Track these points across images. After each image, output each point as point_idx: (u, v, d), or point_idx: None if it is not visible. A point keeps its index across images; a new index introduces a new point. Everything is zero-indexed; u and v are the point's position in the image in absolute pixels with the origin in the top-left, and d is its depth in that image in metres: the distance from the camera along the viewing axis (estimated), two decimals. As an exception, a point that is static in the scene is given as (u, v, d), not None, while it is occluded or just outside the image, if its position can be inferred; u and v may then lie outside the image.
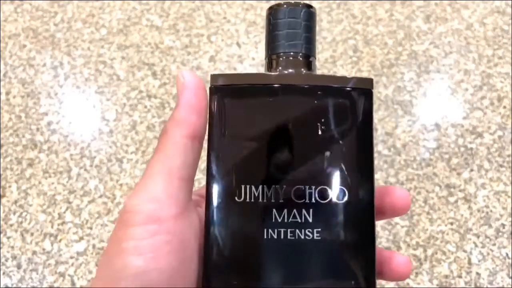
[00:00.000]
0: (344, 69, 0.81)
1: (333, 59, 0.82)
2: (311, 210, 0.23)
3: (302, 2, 0.25)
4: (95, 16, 0.89)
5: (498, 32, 0.85)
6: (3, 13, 0.90)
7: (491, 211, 0.67)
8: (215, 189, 0.23)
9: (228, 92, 0.24)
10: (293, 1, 0.25)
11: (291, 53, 0.24)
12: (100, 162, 0.72)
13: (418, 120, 0.75)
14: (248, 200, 0.23)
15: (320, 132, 0.23)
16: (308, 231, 0.23)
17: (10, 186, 0.70)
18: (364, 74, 0.80)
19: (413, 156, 0.72)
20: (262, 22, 0.88)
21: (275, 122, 0.23)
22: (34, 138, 0.75)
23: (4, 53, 0.85)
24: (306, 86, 0.24)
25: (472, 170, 0.70)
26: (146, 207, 0.22)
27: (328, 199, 0.23)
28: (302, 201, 0.23)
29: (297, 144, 0.23)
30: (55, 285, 0.62)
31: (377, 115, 0.76)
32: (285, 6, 0.24)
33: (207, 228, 0.24)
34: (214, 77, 0.24)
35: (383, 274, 0.26)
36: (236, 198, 0.23)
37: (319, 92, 0.24)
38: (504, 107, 0.76)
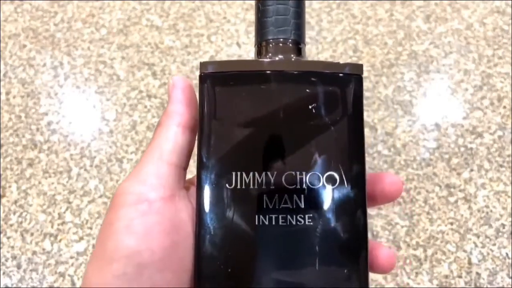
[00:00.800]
0: (344, 69, 0.81)
1: (333, 59, 0.82)
2: (302, 196, 0.23)
3: None
4: (95, 16, 0.89)
5: (498, 32, 0.85)
6: (3, 13, 0.90)
7: (491, 211, 0.67)
8: (206, 176, 0.23)
9: (217, 79, 0.24)
10: None
11: (281, 39, 0.24)
12: (100, 162, 0.72)
13: (418, 120, 0.75)
14: (239, 187, 0.23)
15: (310, 118, 0.23)
16: (300, 217, 0.23)
17: (10, 186, 0.70)
18: (364, 74, 0.80)
19: (413, 156, 0.72)
20: (262, 22, 0.88)
21: (265, 108, 0.23)
22: (34, 138, 0.75)
23: (4, 53, 0.85)
24: (296, 72, 0.23)
25: (472, 170, 0.70)
26: (136, 189, 0.23)
27: (319, 185, 0.23)
28: (293, 187, 0.23)
29: (288, 130, 0.23)
30: (55, 285, 0.62)
31: (377, 115, 0.76)
32: None
33: (198, 215, 0.23)
34: (203, 64, 0.24)
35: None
36: (227, 185, 0.23)
37: (309, 78, 0.23)
38: (504, 107, 0.76)
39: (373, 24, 0.86)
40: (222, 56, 0.83)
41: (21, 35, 0.87)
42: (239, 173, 0.23)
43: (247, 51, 0.84)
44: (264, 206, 0.23)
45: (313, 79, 0.23)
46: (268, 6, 0.24)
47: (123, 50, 0.84)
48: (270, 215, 0.23)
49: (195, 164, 0.24)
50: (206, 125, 0.24)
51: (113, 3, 0.91)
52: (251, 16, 0.89)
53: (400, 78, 0.80)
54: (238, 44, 0.85)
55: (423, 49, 0.83)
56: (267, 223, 0.23)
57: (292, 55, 0.24)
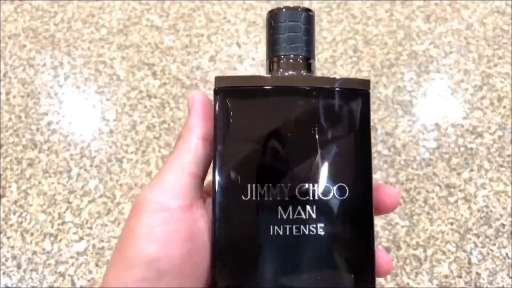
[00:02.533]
0: (344, 69, 0.81)
1: (333, 59, 0.82)
2: (314, 207, 0.24)
3: (301, 6, 0.25)
4: (95, 16, 0.89)
5: (498, 32, 0.85)
6: (3, 13, 0.90)
7: (491, 211, 0.67)
8: (221, 188, 0.24)
9: (231, 94, 0.24)
10: (292, 6, 0.25)
11: (292, 56, 0.25)
12: (100, 162, 0.72)
13: (418, 120, 0.75)
14: (254, 198, 0.24)
15: (321, 132, 0.24)
16: (312, 226, 0.24)
17: (10, 186, 0.70)
18: (364, 74, 0.80)
19: (413, 156, 0.72)
20: (262, 22, 0.88)
21: (278, 122, 0.24)
22: (34, 138, 0.75)
23: (4, 53, 0.85)
24: (306, 88, 0.24)
25: (472, 170, 0.70)
26: (157, 198, 0.24)
27: (330, 196, 0.24)
28: (306, 198, 0.24)
29: (300, 144, 0.24)
30: (55, 285, 0.62)
31: (377, 115, 0.76)
32: (285, 10, 0.25)
33: (214, 225, 0.24)
34: (218, 79, 0.25)
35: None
36: (242, 197, 0.24)
37: (318, 94, 0.24)
38: (504, 107, 0.76)
39: (373, 24, 0.86)
40: (222, 56, 0.83)
41: (21, 35, 0.87)
42: (254, 185, 0.24)
43: (247, 51, 0.84)
44: (279, 217, 0.24)
45: (322, 94, 0.24)
46: (280, 23, 0.25)
47: (123, 50, 0.84)
48: (284, 225, 0.24)
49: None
50: (221, 138, 0.24)
51: (113, 3, 0.91)
52: (251, 16, 0.89)
53: (400, 78, 0.79)
54: (238, 44, 0.85)
55: (423, 49, 0.83)
56: (281, 233, 0.24)
57: (302, 71, 0.25)
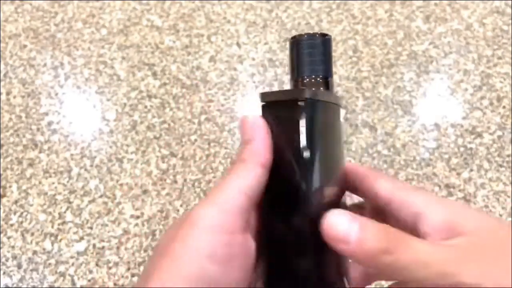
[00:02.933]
0: (344, 69, 0.81)
1: (333, 59, 0.82)
2: None
3: (319, 32, 0.30)
4: (95, 16, 0.89)
5: (498, 32, 0.85)
6: (3, 13, 0.91)
7: (490, 211, 0.67)
8: (270, 201, 0.26)
9: (276, 108, 0.27)
10: (312, 32, 0.31)
11: (313, 76, 0.29)
12: (101, 162, 0.72)
13: (417, 120, 0.75)
14: (289, 210, 0.26)
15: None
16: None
17: (10, 186, 0.70)
18: (364, 74, 0.80)
19: (412, 156, 0.72)
20: (262, 22, 0.88)
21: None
22: (34, 138, 0.75)
23: (5, 53, 0.85)
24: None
25: (471, 170, 0.70)
26: (221, 218, 0.23)
27: None
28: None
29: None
30: (56, 284, 0.63)
31: (377, 115, 0.76)
32: (305, 36, 0.29)
33: (265, 242, 0.26)
34: (263, 94, 0.28)
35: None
36: (280, 209, 0.26)
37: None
38: (504, 107, 0.76)
39: (372, 24, 0.87)
40: (222, 56, 0.83)
41: (22, 35, 0.87)
42: (289, 201, 0.26)
43: (247, 51, 0.84)
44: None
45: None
46: (301, 48, 0.29)
47: (123, 50, 0.84)
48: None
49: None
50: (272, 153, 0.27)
51: (113, 3, 0.91)
52: (251, 16, 0.89)
53: (400, 78, 0.80)
54: (238, 44, 0.85)
55: (422, 49, 0.83)
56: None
57: (321, 89, 0.29)
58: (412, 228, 0.24)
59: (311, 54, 0.29)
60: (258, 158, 0.25)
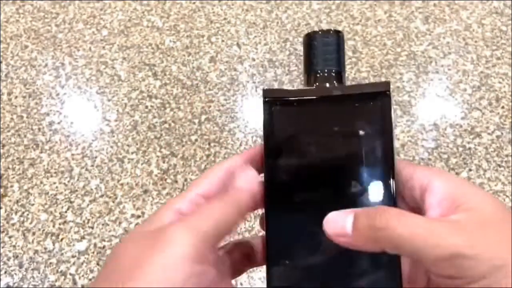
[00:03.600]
0: (344, 70, 0.81)
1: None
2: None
3: (332, 29, 0.31)
4: (96, 17, 0.90)
5: (497, 32, 0.86)
6: (5, 14, 0.91)
7: (489, 210, 0.68)
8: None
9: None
10: (325, 29, 0.29)
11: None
12: (101, 162, 0.72)
13: (417, 120, 0.75)
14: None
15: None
16: None
17: (12, 186, 0.71)
18: (363, 75, 0.80)
19: (412, 156, 0.72)
20: (262, 23, 0.88)
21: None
22: (35, 138, 0.75)
23: (6, 54, 0.85)
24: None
25: (470, 170, 0.71)
26: (194, 246, 0.22)
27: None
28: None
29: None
30: (57, 284, 0.63)
31: (376, 115, 0.76)
32: (320, 32, 0.30)
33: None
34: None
35: None
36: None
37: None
38: (502, 107, 0.77)
39: (372, 25, 0.87)
40: (222, 57, 0.84)
41: (23, 36, 0.88)
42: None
43: (247, 52, 0.84)
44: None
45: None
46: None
47: (124, 51, 0.85)
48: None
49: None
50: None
51: (114, 4, 0.91)
52: (251, 17, 0.89)
53: (399, 79, 0.80)
54: (238, 45, 0.85)
55: (422, 50, 0.84)
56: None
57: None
58: (420, 204, 0.25)
59: (325, 50, 0.29)
60: (245, 201, 0.25)
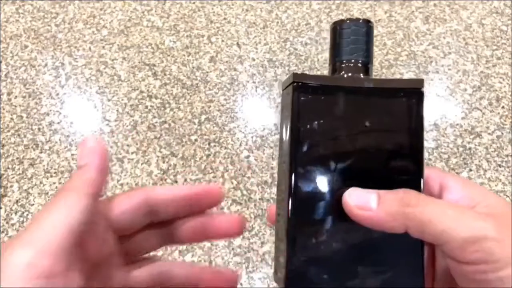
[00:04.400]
0: (344, 70, 0.81)
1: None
2: None
3: (362, 18, 0.29)
4: (96, 17, 0.90)
5: (497, 32, 0.85)
6: (4, 14, 0.91)
7: (489, 210, 0.68)
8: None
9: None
10: (355, 17, 0.29)
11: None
12: (101, 162, 0.72)
13: (417, 120, 0.75)
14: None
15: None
16: None
17: (11, 186, 0.71)
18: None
19: (412, 156, 0.72)
20: (262, 23, 0.88)
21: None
22: (35, 138, 0.75)
23: (6, 54, 0.85)
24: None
25: (470, 170, 0.71)
26: (34, 261, 0.21)
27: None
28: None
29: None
30: (57, 284, 0.63)
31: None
32: (348, 21, 0.29)
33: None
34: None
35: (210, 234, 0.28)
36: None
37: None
38: (503, 107, 0.76)
39: (372, 25, 0.87)
40: (222, 57, 0.84)
41: (23, 35, 0.88)
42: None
43: (247, 52, 0.84)
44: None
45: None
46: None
47: (124, 51, 0.85)
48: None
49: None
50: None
51: (114, 4, 0.91)
52: (251, 17, 0.89)
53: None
54: (238, 45, 0.85)
55: (422, 50, 0.83)
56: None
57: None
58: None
59: (353, 38, 0.29)
60: (86, 188, 0.23)
